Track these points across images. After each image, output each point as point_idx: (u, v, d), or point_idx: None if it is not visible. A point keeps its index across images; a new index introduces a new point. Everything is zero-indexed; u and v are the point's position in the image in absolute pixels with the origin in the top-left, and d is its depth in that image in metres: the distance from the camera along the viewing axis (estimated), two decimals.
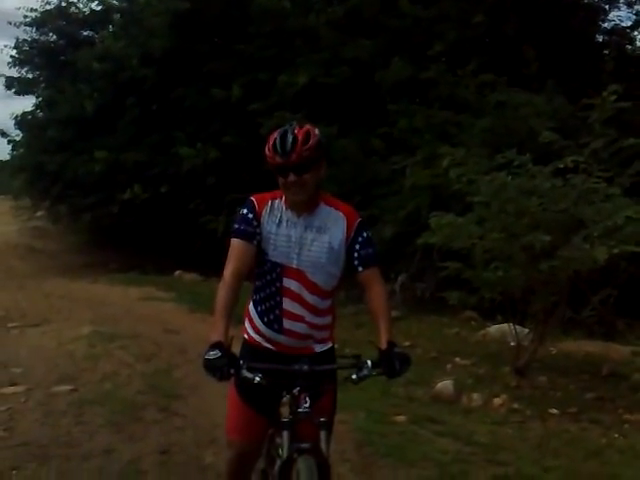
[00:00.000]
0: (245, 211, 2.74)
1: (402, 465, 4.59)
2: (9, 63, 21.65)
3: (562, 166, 6.88)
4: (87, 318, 9.72)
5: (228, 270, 2.66)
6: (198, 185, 16.01)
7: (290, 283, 2.70)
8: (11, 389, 6.15)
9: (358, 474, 4.43)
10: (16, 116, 20.28)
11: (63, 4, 21.58)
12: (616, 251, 6.05)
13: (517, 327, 7.24)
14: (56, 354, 7.51)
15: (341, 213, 2.74)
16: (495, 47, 13.42)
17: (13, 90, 21.76)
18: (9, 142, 21.17)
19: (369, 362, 2.52)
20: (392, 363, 2.48)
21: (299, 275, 2.69)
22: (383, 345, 2.54)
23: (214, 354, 2.41)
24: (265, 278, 2.74)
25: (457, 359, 7.57)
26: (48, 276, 15.76)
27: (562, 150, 7.40)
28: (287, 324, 2.73)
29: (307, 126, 2.67)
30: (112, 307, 10.98)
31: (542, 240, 6.31)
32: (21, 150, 21.44)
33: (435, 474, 4.45)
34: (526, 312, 7.27)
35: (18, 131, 21.14)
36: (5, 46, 40.66)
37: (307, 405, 2.52)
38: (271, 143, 2.63)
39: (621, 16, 15.34)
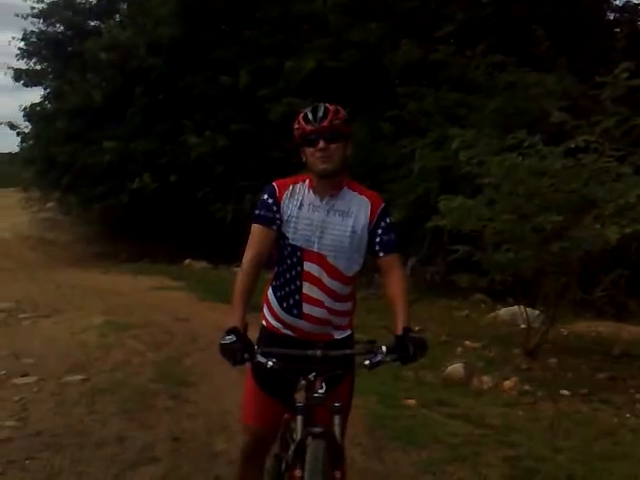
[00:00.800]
0: (265, 196, 2.75)
1: (413, 448, 4.59)
2: (17, 55, 21.78)
3: (573, 146, 6.80)
4: (98, 308, 9.79)
5: (247, 257, 2.70)
6: (207, 173, 16.01)
7: (310, 267, 2.70)
8: (23, 380, 6.20)
9: (369, 457, 4.44)
10: (25, 108, 20.36)
11: None
12: (628, 231, 5.99)
13: (528, 309, 7.21)
14: (68, 344, 7.56)
15: (365, 198, 2.74)
16: (504, 27, 13.23)
17: (21, 82, 21.87)
18: (18, 134, 21.26)
19: (384, 348, 2.50)
20: (407, 348, 2.46)
21: (320, 259, 2.69)
22: (399, 330, 2.52)
23: (229, 339, 2.46)
24: (286, 263, 2.74)
25: (467, 342, 7.54)
26: (59, 267, 15.88)
27: (573, 130, 7.32)
28: (306, 309, 2.73)
29: (337, 105, 2.73)
30: (123, 297, 11.05)
31: (553, 221, 6.26)
32: (30, 142, 21.48)
33: (446, 456, 4.44)
34: (537, 294, 7.23)
35: (27, 123, 21.23)
36: (13, 38, 40.63)
37: (322, 390, 2.52)
38: (302, 115, 2.68)
39: None
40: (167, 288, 11.95)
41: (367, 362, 2.50)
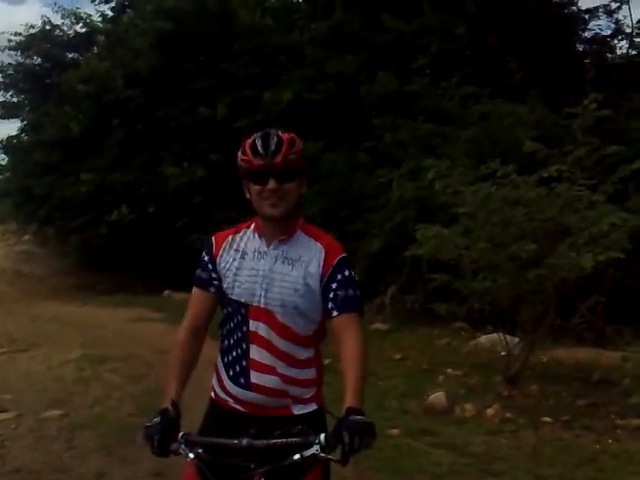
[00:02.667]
0: (203, 254, 2.39)
1: (397, 478, 4.61)
2: None
3: (546, 175, 6.94)
4: (76, 341, 9.68)
5: (183, 324, 2.37)
6: (185, 204, 16.00)
7: (257, 326, 2.26)
8: (1, 416, 6.12)
9: None
10: (1, 140, 20.25)
11: (47, 27, 21.64)
12: (602, 258, 6.11)
13: (507, 336, 7.26)
14: (45, 379, 7.47)
15: (319, 245, 2.28)
16: (478, 59, 13.53)
17: None
18: None
19: (322, 436, 1.99)
20: (340, 437, 1.90)
21: (267, 316, 2.24)
22: (342, 412, 2.00)
23: (154, 421, 2.08)
24: (232, 322, 2.32)
25: (449, 370, 7.57)
26: (36, 300, 15.66)
27: (546, 159, 7.47)
28: (255, 377, 2.26)
29: (291, 133, 2.29)
30: (102, 329, 10.94)
31: (528, 249, 6.36)
32: (7, 174, 21.37)
33: None
34: (515, 321, 7.29)
35: (3, 155, 21.14)
36: None
37: None
38: (249, 144, 2.22)
39: (601, 25, 15.52)
40: (146, 320, 11.85)
41: (297, 456, 2.00)
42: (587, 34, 15.22)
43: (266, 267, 2.27)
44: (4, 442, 5.39)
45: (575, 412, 6.02)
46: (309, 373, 2.32)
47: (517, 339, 7.49)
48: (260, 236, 2.31)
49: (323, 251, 2.27)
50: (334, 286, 2.22)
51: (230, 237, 2.36)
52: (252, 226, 2.36)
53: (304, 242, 2.30)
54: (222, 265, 2.32)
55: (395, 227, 10.80)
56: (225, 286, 2.31)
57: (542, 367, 7.46)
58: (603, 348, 8.11)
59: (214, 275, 2.34)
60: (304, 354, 2.30)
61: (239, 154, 2.25)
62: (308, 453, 1.98)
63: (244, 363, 2.27)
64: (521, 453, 5.15)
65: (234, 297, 2.29)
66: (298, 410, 2.30)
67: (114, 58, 17.81)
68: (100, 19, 21.15)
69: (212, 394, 2.41)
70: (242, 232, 2.37)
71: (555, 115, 9.95)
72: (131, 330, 10.85)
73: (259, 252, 2.30)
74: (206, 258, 2.37)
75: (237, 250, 2.33)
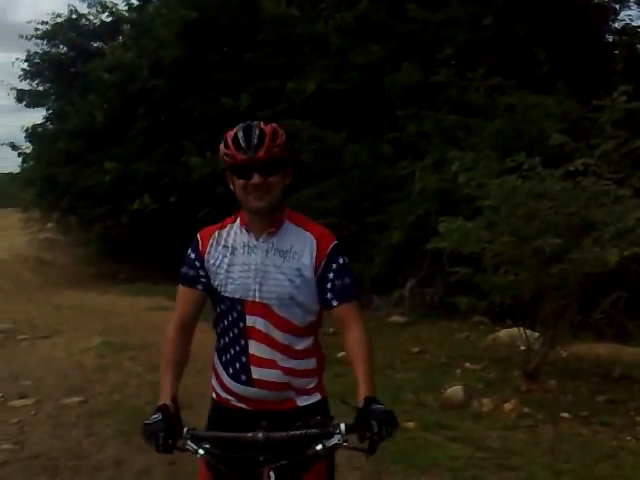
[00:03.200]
0: (189, 251, 2.38)
1: (413, 471, 4.58)
2: (20, 76, 21.87)
3: (572, 169, 6.82)
4: (97, 329, 9.78)
5: (171, 322, 2.34)
6: (207, 194, 16.04)
7: (255, 321, 2.25)
8: (21, 402, 6.20)
9: None
10: (26, 129, 20.44)
11: (73, 16, 21.81)
12: (627, 253, 5.99)
13: (527, 331, 7.17)
14: (66, 366, 7.57)
15: (309, 234, 2.28)
16: (505, 49, 13.33)
17: (24, 103, 21.99)
18: (19, 155, 21.27)
19: (342, 426, 1.99)
20: (368, 425, 1.92)
21: (264, 310, 2.24)
22: (360, 402, 2.02)
23: (154, 418, 2.07)
24: (227, 319, 2.30)
25: (467, 364, 7.51)
26: (58, 288, 15.87)
27: (572, 152, 7.35)
28: (256, 373, 2.25)
29: (273, 124, 2.29)
30: (122, 318, 11.04)
31: (552, 243, 6.26)
32: (31, 162, 21.56)
33: None
34: (536, 316, 7.20)
35: (28, 144, 21.29)
36: (16, 59, 40.72)
37: None
38: (231, 138, 2.21)
39: (631, 15, 15.15)
40: (165, 309, 11.88)
41: (319, 447, 1.99)
42: (617, 25, 14.87)
43: (258, 261, 2.26)
44: (23, 428, 5.46)
45: (594, 408, 5.94)
46: (309, 363, 2.33)
47: (537, 334, 7.41)
48: (248, 230, 2.31)
49: (315, 241, 2.27)
50: (331, 276, 2.24)
51: (216, 232, 2.37)
52: (238, 220, 2.36)
53: (293, 232, 2.30)
54: (211, 262, 2.32)
55: (417, 219, 10.72)
56: (217, 284, 2.30)
57: (562, 362, 7.37)
58: (624, 344, 8.00)
59: (201, 272, 2.32)
60: (302, 344, 2.30)
61: (221, 147, 2.25)
62: (330, 443, 1.99)
63: (244, 359, 2.27)
64: (538, 448, 5.08)
65: (228, 294, 2.28)
66: (302, 402, 2.31)
67: (139, 48, 17.90)
68: (126, 8, 21.34)
69: (213, 394, 2.42)
70: (228, 227, 2.37)
71: (583, 107, 9.77)
72: (150, 319, 10.92)
73: (249, 246, 2.29)
74: (192, 255, 2.35)
75: (226, 246, 2.32)
